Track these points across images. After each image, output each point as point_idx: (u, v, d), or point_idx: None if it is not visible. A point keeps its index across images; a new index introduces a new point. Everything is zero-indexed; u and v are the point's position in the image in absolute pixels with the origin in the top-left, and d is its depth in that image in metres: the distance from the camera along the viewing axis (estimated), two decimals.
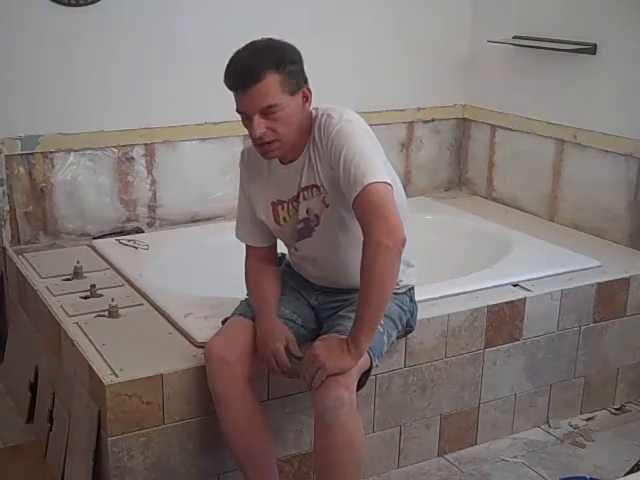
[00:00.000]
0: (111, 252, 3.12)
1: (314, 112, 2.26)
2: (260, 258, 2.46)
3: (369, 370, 2.24)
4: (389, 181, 2.14)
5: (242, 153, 2.45)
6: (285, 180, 2.30)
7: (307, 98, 2.21)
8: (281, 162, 2.30)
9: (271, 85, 2.11)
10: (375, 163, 2.15)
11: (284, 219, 2.35)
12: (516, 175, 3.87)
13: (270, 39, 2.20)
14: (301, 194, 2.28)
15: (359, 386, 2.21)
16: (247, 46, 2.18)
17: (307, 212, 2.29)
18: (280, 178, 2.31)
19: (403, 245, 2.10)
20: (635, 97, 3.27)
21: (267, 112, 2.13)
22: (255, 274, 2.44)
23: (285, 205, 2.33)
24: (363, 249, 2.10)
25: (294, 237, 2.37)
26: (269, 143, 2.18)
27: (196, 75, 3.41)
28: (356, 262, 2.12)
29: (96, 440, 2.31)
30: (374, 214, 2.08)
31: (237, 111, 2.20)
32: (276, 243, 2.50)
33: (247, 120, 2.17)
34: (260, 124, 2.14)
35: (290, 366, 2.24)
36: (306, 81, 2.21)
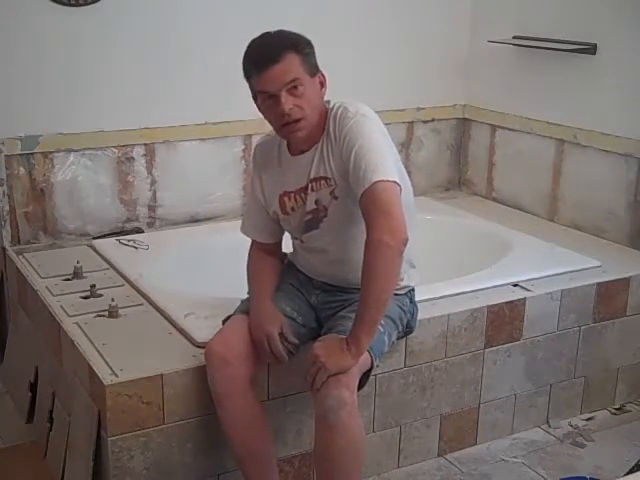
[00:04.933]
0: (111, 252, 3.12)
1: (328, 105, 2.28)
2: (264, 250, 2.48)
3: (370, 370, 2.24)
4: (397, 180, 2.15)
5: (255, 148, 2.48)
6: (295, 171, 2.31)
7: (323, 84, 2.26)
8: (292, 153, 2.31)
9: (293, 61, 2.17)
10: (386, 161, 2.15)
11: (292, 209, 2.35)
12: (516, 175, 3.87)
13: (281, 29, 2.25)
14: (310, 185, 2.28)
15: (360, 386, 2.21)
16: (263, 34, 2.23)
17: (316, 203, 2.29)
18: (291, 169, 2.32)
19: (405, 245, 2.10)
20: (635, 97, 3.27)
21: (292, 89, 2.16)
22: (256, 262, 2.46)
23: (292, 195, 2.33)
24: (365, 246, 2.10)
25: (301, 228, 2.37)
26: (296, 122, 2.19)
27: (196, 75, 3.41)
28: (362, 257, 2.13)
29: (96, 440, 2.31)
30: (378, 211, 2.09)
31: (258, 93, 2.20)
32: (281, 240, 2.51)
33: (271, 100, 2.18)
34: (288, 100, 2.16)
35: (283, 353, 2.27)
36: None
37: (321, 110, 2.25)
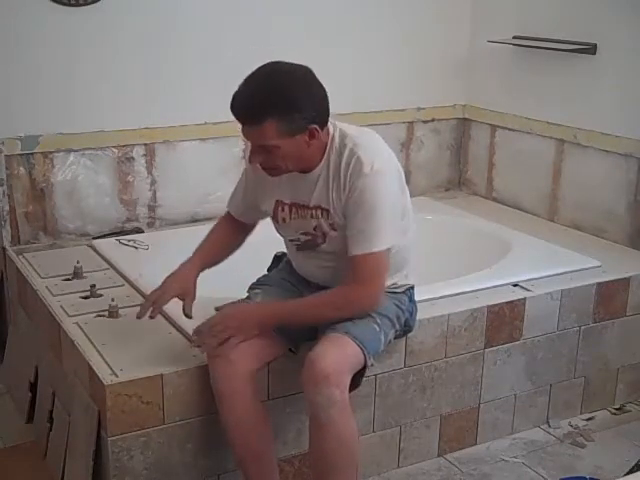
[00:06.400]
0: (111, 252, 3.12)
1: (332, 129, 2.23)
2: (236, 222, 2.51)
3: (363, 369, 2.25)
4: (390, 245, 2.20)
5: None
6: (293, 185, 2.29)
7: (314, 136, 2.16)
8: None
9: (269, 130, 2.10)
10: (386, 228, 2.18)
11: (283, 219, 2.35)
12: (516, 175, 3.87)
13: (279, 69, 2.15)
14: (311, 212, 2.28)
15: (354, 385, 2.22)
16: (254, 80, 2.13)
17: (315, 229, 2.30)
18: (288, 181, 2.30)
19: (373, 310, 2.24)
20: (635, 97, 3.27)
21: (264, 148, 2.15)
22: (222, 226, 2.52)
23: (286, 207, 2.33)
24: (344, 284, 2.22)
25: (294, 241, 2.38)
26: (267, 169, 2.22)
27: (196, 75, 3.41)
28: None
29: (96, 440, 2.31)
30: (363, 278, 2.19)
31: None
32: (256, 224, 2.54)
33: None
34: (256, 156, 2.17)
35: (144, 312, 2.33)
36: (317, 118, 2.15)
37: (315, 149, 2.20)
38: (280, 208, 2.34)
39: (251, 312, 2.30)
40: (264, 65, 2.16)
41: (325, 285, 2.41)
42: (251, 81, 2.14)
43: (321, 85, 2.18)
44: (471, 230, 3.51)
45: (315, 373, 2.12)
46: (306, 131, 2.15)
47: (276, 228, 2.43)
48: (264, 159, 2.18)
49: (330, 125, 2.24)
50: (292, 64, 2.17)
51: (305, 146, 2.17)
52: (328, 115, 2.21)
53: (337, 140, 2.23)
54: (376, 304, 2.25)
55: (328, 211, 2.26)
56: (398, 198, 2.26)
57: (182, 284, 2.37)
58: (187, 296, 2.36)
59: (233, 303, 2.40)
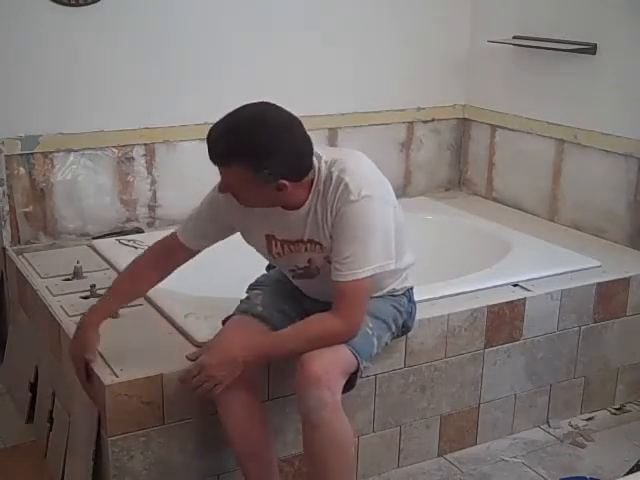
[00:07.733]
0: (111, 252, 3.12)
1: (316, 162, 2.17)
2: (172, 251, 2.39)
3: (357, 372, 2.24)
4: (376, 272, 2.16)
5: None
6: (286, 222, 2.24)
7: (282, 190, 2.11)
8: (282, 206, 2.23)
9: (234, 174, 2.08)
10: (371, 253, 2.14)
11: (278, 254, 2.33)
12: (516, 175, 3.87)
13: (262, 117, 2.06)
14: (304, 246, 2.26)
15: (348, 387, 2.22)
16: (233, 121, 2.08)
17: (309, 262, 2.29)
18: (280, 218, 2.24)
19: (349, 339, 2.19)
20: (635, 97, 3.27)
21: (231, 186, 2.13)
22: (150, 261, 2.39)
23: (279, 243, 2.29)
24: (324, 313, 2.18)
25: (289, 271, 2.38)
26: (238, 199, 2.18)
27: (196, 75, 3.40)
28: None
29: (96, 440, 2.31)
30: (345, 304, 2.15)
31: None
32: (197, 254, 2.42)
33: None
34: (226, 187, 2.15)
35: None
36: (288, 175, 2.08)
37: (295, 194, 2.15)
38: (274, 243, 2.30)
39: (234, 354, 2.16)
40: (250, 105, 2.08)
41: (320, 300, 2.39)
42: (230, 121, 2.08)
43: (306, 140, 2.11)
44: (471, 230, 3.51)
45: (306, 375, 2.12)
46: (274, 184, 2.09)
47: (268, 259, 2.43)
48: (233, 192, 2.15)
49: (314, 159, 2.17)
50: (280, 112, 2.08)
51: (274, 195, 2.13)
52: (306, 171, 2.13)
53: (324, 171, 2.17)
54: (354, 334, 2.19)
55: (322, 245, 2.23)
56: (389, 221, 2.19)
57: (84, 347, 2.26)
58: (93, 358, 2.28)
59: (210, 342, 2.30)
